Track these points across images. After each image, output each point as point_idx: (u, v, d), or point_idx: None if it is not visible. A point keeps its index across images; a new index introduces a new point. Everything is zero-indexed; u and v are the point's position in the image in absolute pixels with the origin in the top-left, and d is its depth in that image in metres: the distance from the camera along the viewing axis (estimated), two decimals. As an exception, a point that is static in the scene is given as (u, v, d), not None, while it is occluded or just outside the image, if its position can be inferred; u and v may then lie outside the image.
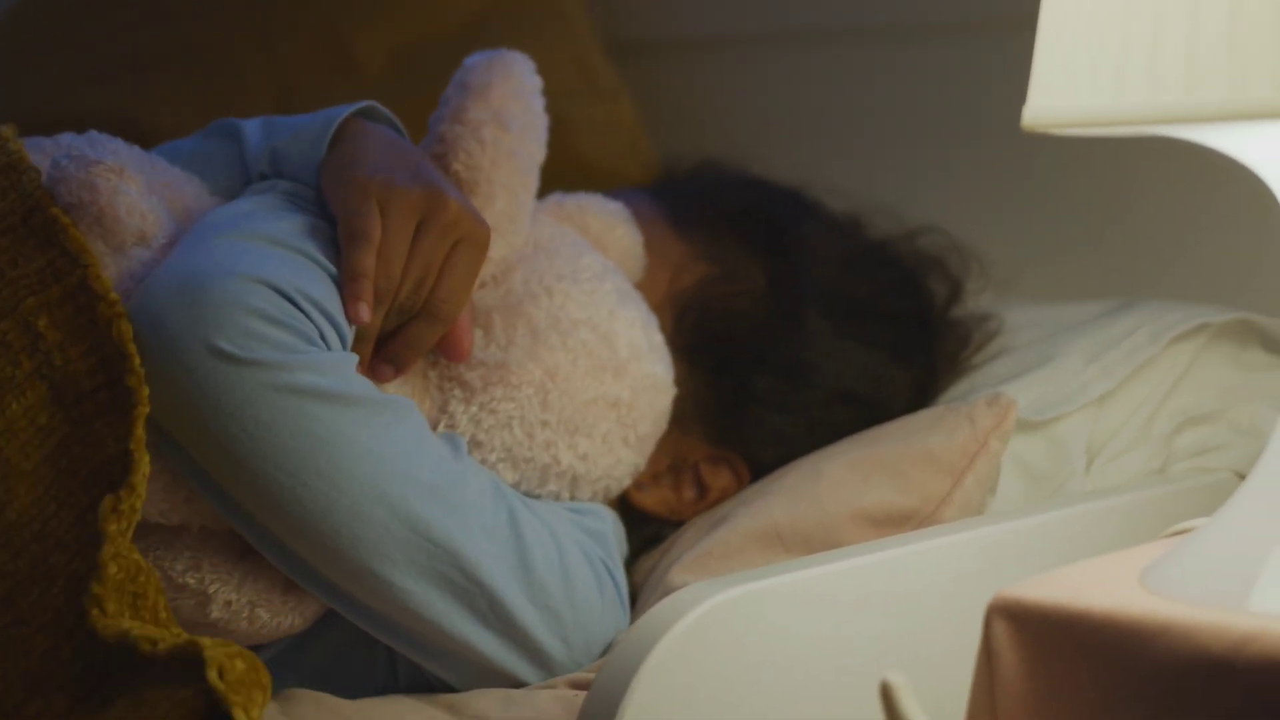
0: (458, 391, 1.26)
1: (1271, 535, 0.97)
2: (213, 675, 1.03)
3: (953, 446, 1.30)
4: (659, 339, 1.35)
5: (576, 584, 1.22)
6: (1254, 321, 1.45)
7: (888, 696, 0.96)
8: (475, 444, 1.26)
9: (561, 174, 1.83)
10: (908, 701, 0.95)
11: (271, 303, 1.13)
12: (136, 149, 1.26)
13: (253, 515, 1.16)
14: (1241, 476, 1.37)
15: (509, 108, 1.28)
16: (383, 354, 1.22)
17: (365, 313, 1.17)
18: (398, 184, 1.20)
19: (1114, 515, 1.28)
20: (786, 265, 1.45)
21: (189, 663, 1.04)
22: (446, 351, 1.25)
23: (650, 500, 1.41)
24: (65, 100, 1.96)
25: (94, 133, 1.26)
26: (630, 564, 1.38)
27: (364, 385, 1.17)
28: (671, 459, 1.41)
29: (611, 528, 1.32)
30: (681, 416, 1.39)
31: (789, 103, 1.94)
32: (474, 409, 1.26)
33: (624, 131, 1.93)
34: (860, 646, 1.15)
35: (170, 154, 1.29)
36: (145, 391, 1.10)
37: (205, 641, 1.05)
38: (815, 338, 1.43)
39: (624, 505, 1.40)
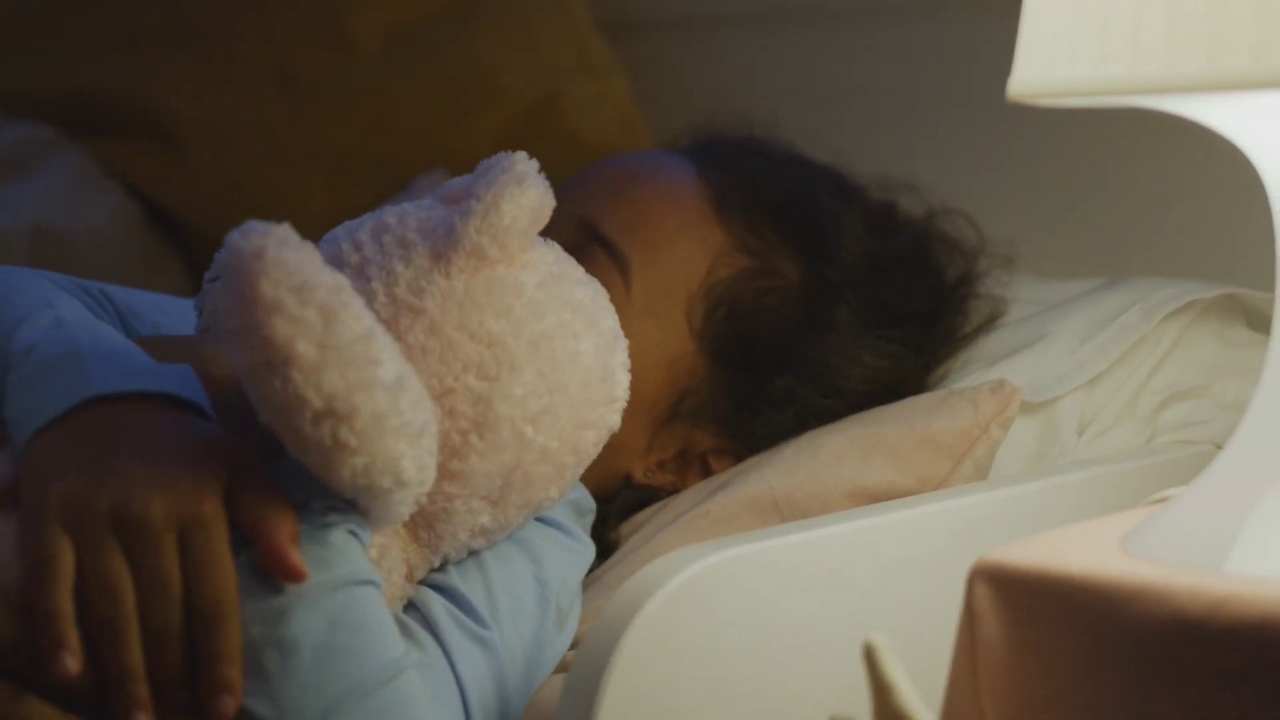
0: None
1: (1247, 501, 0.98)
2: None
3: (954, 430, 1.31)
4: (616, 365, 1.22)
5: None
6: (1240, 297, 1.46)
7: (871, 657, 0.97)
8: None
9: (555, 151, 1.85)
10: (890, 662, 0.97)
11: None
12: None
13: None
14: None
15: None
16: (207, 682, 1.05)
17: (72, 663, 1.02)
18: (79, 491, 1.03)
19: (1097, 485, 1.30)
20: (822, 264, 1.43)
21: None
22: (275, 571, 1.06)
23: (655, 483, 1.42)
24: (65, 76, 1.97)
25: None
26: (620, 519, 1.39)
27: None
28: (680, 448, 1.42)
29: (577, 491, 1.30)
30: (695, 410, 1.39)
31: (781, 81, 1.95)
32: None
33: (618, 109, 1.95)
34: (843, 612, 1.16)
35: None
36: None
37: None
38: (842, 341, 1.42)
39: (624, 484, 1.42)
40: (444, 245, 1.13)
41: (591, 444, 1.19)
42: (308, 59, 1.94)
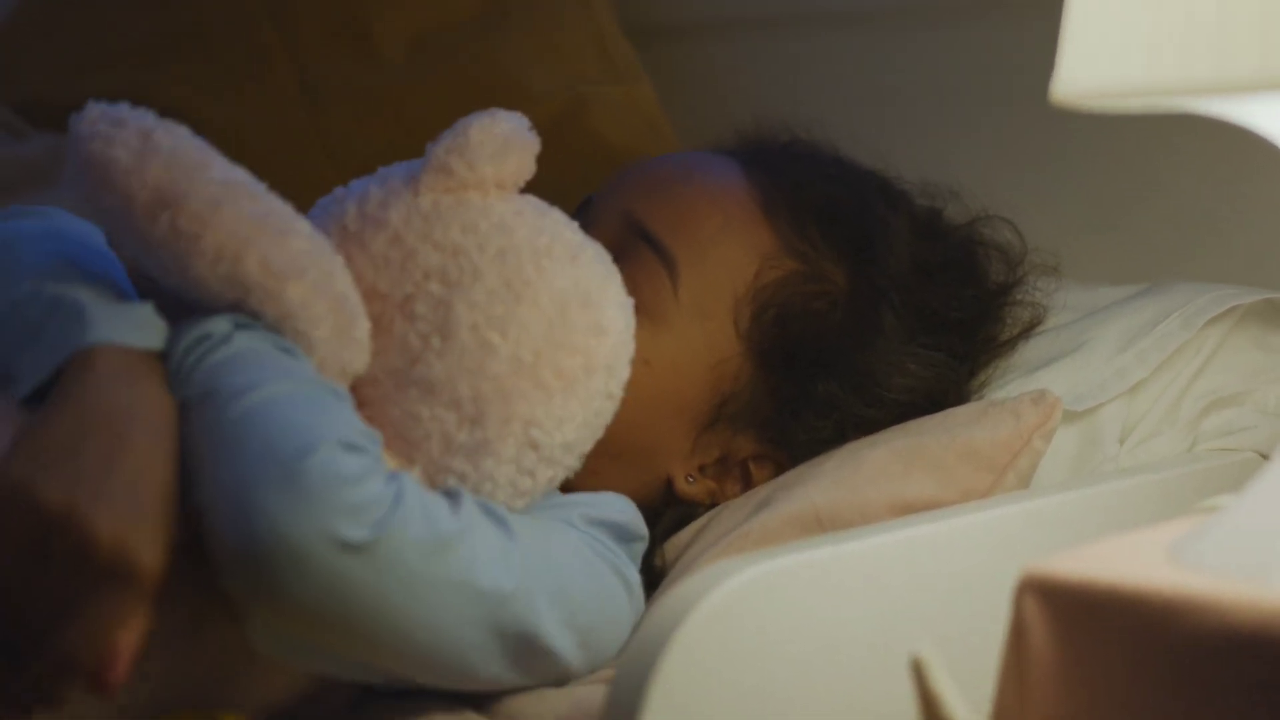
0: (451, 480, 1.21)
1: (1301, 510, 0.97)
2: None
3: (996, 442, 1.30)
4: (608, 301, 1.23)
5: (608, 610, 1.22)
6: (1280, 303, 1.45)
7: (919, 671, 0.96)
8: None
9: (582, 157, 1.84)
10: (939, 676, 0.95)
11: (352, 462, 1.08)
12: None
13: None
14: (1265, 457, 1.37)
15: None
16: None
17: None
18: (24, 494, 1.04)
19: (1139, 494, 1.28)
20: (869, 269, 1.41)
21: None
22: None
23: (695, 491, 1.40)
24: (82, 83, 1.96)
25: None
26: (663, 540, 1.38)
27: (428, 508, 1.11)
28: (721, 453, 1.41)
29: (624, 515, 1.29)
30: (737, 414, 1.38)
31: (813, 86, 1.94)
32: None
33: (644, 115, 1.93)
34: (889, 624, 1.15)
35: None
36: None
37: None
38: (887, 347, 1.40)
39: (666, 491, 1.41)
40: (417, 171, 1.20)
41: (580, 370, 1.19)
42: (331, 66, 1.93)
